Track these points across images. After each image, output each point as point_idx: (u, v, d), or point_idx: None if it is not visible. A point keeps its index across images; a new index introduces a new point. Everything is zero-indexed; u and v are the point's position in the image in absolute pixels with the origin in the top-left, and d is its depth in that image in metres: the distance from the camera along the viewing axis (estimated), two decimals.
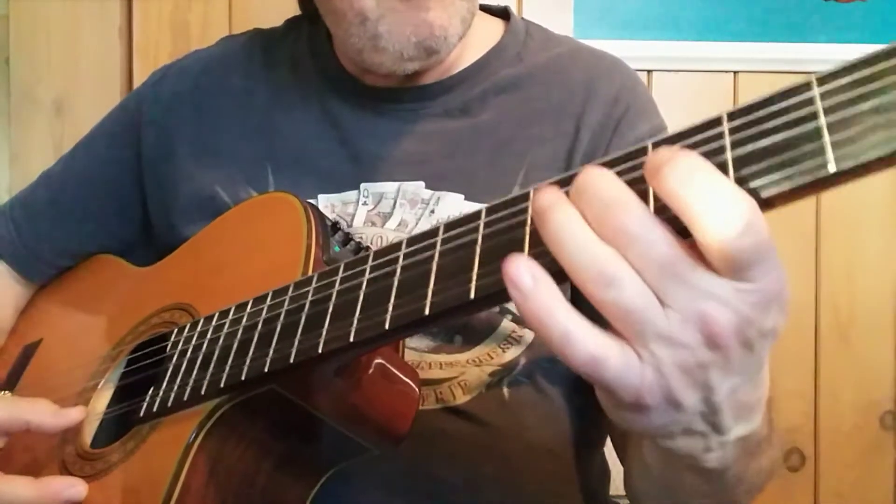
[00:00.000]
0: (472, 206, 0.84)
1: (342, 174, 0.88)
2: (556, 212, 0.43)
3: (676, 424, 0.47)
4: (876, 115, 0.39)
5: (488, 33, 0.94)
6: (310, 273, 0.66)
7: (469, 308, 0.49)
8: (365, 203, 0.86)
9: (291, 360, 0.58)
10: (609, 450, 0.96)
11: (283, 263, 0.69)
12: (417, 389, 0.71)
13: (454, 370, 0.81)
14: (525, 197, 0.50)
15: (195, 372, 0.66)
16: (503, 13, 0.98)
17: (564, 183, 0.47)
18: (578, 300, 0.43)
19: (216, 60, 1.00)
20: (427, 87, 0.90)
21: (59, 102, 1.56)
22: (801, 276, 1.51)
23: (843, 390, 1.53)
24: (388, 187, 0.87)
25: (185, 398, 0.65)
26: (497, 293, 0.47)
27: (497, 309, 0.82)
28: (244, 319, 0.65)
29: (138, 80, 1.50)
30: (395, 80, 0.89)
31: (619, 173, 0.45)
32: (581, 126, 0.87)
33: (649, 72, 1.52)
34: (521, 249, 0.47)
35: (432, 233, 0.54)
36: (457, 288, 0.49)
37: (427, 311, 0.50)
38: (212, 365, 0.65)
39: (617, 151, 0.47)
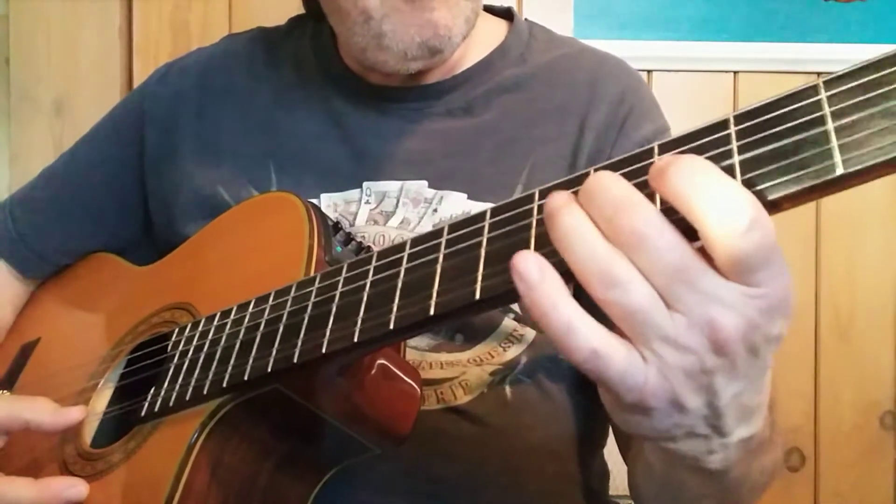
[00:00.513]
0: (475, 205, 0.84)
1: (345, 173, 0.88)
2: (565, 214, 0.43)
3: (679, 427, 0.47)
4: (883, 118, 0.39)
5: (492, 34, 0.94)
6: (312, 273, 0.66)
7: (474, 309, 0.49)
8: (367, 202, 0.86)
9: (295, 360, 0.58)
10: (609, 450, 0.96)
11: (285, 263, 0.69)
12: (419, 389, 0.71)
13: (455, 370, 0.81)
14: (530, 198, 0.50)
15: (197, 372, 0.66)
16: (507, 14, 0.98)
17: (573, 184, 0.47)
18: (584, 304, 0.43)
19: (219, 59, 1.00)
20: (431, 87, 0.90)
21: (59, 102, 1.56)
22: (801, 276, 1.51)
23: (843, 390, 1.53)
24: (392, 186, 0.87)
25: (188, 398, 0.65)
26: (503, 294, 0.47)
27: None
28: (246, 319, 0.65)
29: (138, 80, 1.50)
30: (399, 79, 0.89)
31: (627, 175, 0.45)
32: (585, 126, 0.87)
33: (649, 72, 1.52)
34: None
35: (436, 233, 0.54)
36: (462, 289, 0.49)
37: (432, 312, 0.50)
38: (214, 365, 0.65)
39: (624, 154, 0.47)
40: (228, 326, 0.67)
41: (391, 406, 0.69)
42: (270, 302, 0.64)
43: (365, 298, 0.56)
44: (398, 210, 0.86)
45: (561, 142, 0.87)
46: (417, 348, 0.81)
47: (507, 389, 0.83)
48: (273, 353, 0.60)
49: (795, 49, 1.52)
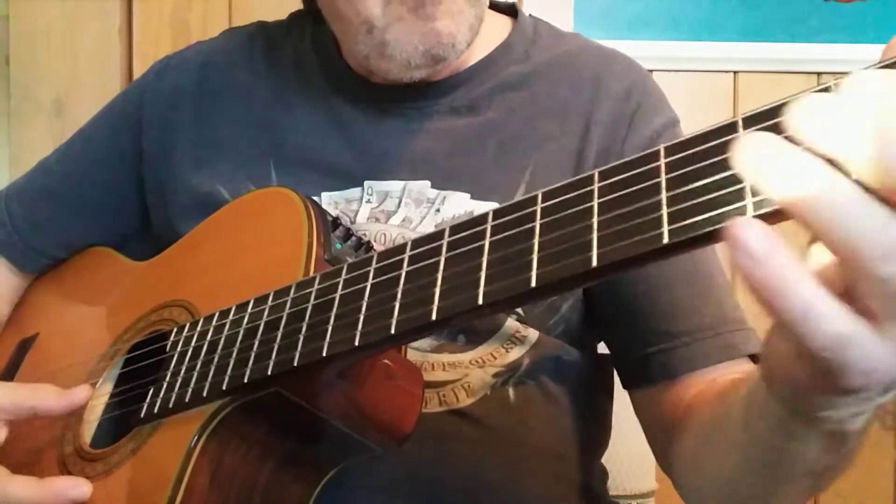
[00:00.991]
0: (478, 205, 0.84)
1: (346, 171, 0.87)
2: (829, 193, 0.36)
3: (865, 401, 0.43)
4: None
5: (496, 30, 0.93)
6: (311, 271, 0.66)
7: (476, 314, 0.49)
8: (369, 201, 0.86)
9: (295, 364, 0.58)
10: (610, 451, 0.96)
11: (284, 261, 0.69)
12: (421, 387, 0.71)
13: (457, 372, 0.81)
14: (532, 201, 0.49)
15: (196, 374, 0.66)
16: (511, 10, 0.97)
17: (577, 186, 0.46)
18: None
19: (219, 54, 0.99)
20: (433, 85, 0.89)
21: (59, 102, 1.56)
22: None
23: None
24: (394, 186, 0.86)
25: (187, 400, 0.65)
26: (506, 299, 0.47)
27: None
28: (245, 320, 0.65)
29: None
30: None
31: (634, 179, 0.44)
32: (591, 124, 0.86)
33: (649, 72, 1.52)
34: (530, 259, 0.47)
35: (438, 235, 0.54)
36: (464, 293, 0.49)
37: (434, 317, 0.50)
38: (213, 367, 0.65)
39: (634, 152, 0.45)
40: (227, 327, 0.66)
41: (393, 405, 0.69)
42: (269, 303, 0.64)
43: (365, 302, 0.56)
44: (400, 209, 0.85)
45: (565, 140, 0.86)
46: (419, 349, 0.80)
47: (511, 391, 0.82)
48: (273, 357, 0.60)
49: (795, 49, 1.52)
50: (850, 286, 0.38)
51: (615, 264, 0.44)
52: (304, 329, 0.59)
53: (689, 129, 0.89)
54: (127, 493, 0.68)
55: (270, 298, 0.64)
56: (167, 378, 0.69)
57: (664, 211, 0.42)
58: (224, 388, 0.62)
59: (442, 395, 0.81)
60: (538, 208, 0.49)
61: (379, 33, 0.80)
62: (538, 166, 0.85)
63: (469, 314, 0.49)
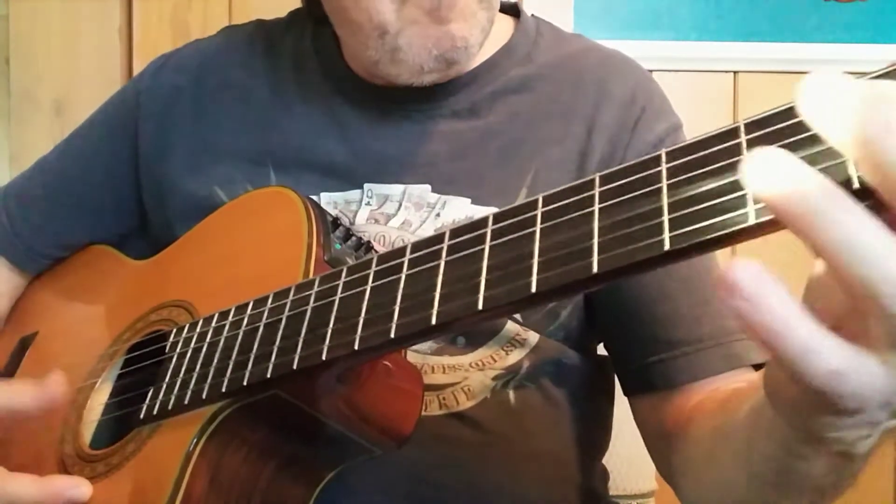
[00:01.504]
0: (478, 210, 0.83)
1: (346, 173, 0.87)
2: (833, 214, 0.35)
3: (867, 422, 0.42)
4: None
5: (498, 32, 0.90)
6: (311, 271, 0.65)
7: (476, 318, 0.49)
8: (368, 203, 0.85)
9: (295, 367, 0.58)
10: (610, 451, 0.96)
11: (284, 261, 0.69)
12: (421, 389, 0.71)
13: (457, 375, 0.81)
14: (533, 205, 0.49)
15: (195, 375, 0.66)
16: (513, 10, 0.96)
17: (578, 191, 0.46)
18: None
19: (217, 53, 0.98)
20: (436, 89, 0.87)
21: (59, 102, 1.56)
22: (801, 275, 1.51)
23: None
24: (394, 190, 0.85)
25: (186, 402, 0.65)
26: (506, 304, 0.47)
27: None
28: (244, 322, 0.65)
29: None
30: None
31: (634, 184, 0.44)
32: (594, 128, 0.85)
33: (650, 72, 1.52)
34: (530, 264, 0.47)
35: (438, 239, 0.54)
36: (464, 298, 0.49)
37: (434, 321, 0.50)
38: (212, 369, 0.64)
39: (637, 156, 0.45)
40: (227, 329, 0.66)
41: (393, 407, 0.69)
42: (269, 305, 0.64)
43: (365, 306, 0.56)
44: (400, 212, 0.85)
45: (567, 143, 0.85)
46: (419, 351, 0.80)
47: (511, 394, 0.82)
48: (272, 359, 0.60)
49: (795, 49, 1.52)
50: (848, 310, 0.38)
51: (616, 270, 0.43)
52: (303, 332, 0.59)
53: (688, 128, 0.90)
54: (126, 494, 0.68)
55: (270, 300, 0.64)
56: (166, 380, 0.68)
57: (665, 217, 0.42)
58: (223, 390, 0.62)
59: (442, 398, 0.80)
60: (539, 213, 0.48)
61: (392, 38, 0.79)
62: (540, 170, 0.84)
63: (469, 319, 0.49)
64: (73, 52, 1.57)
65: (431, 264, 0.53)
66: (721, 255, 0.70)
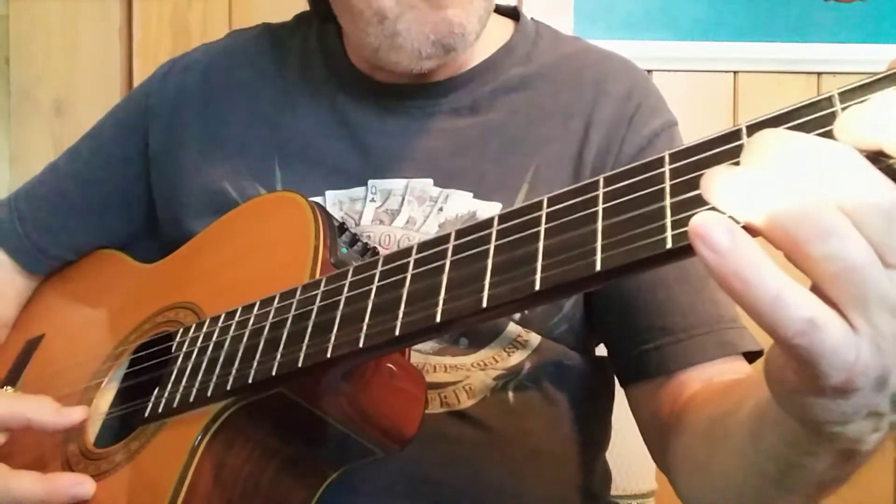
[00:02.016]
0: (480, 204, 0.84)
1: (350, 170, 0.88)
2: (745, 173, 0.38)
3: (866, 407, 0.42)
4: None
5: (498, 32, 0.93)
6: (317, 274, 0.66)
7: (481, 317, 0.49)
8: (373, 200, 0.86)
9: (300, 365, 0.58)
10: (609, 451, 0.96)
11: (290, 264, 0.69)
12: (424, 391, 0.71)
13: (459, 374, 0.81)
14: (538, 206, 0.50)
15: (201, 374, 0.66)
16: (513, 13, 0.98)
17: (582, 192, 0.46)
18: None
19: (224, 55, 0.99)
20: (436, 85, 0.90)
21: (59, 102, 1.57)
22: (800, 275, 1.51)
23: None
24: (397, 184, 0.87)
25: (191, 400, 0.65)
26: (510, 302, 0.47)
27: None
28: (251, 322, 0.65)
29: (138, 80, 1.50)
30: (406, 77, 0.89)
31: (639, 184, 0.44)
32: (591, 124, 0.87)
33: (649, 72, 1.52)
34: (534, 262, 0.47)
35: (443, 239, 0.54)
36: (469, 296, 0.49)
37: (438, 319, 0.50)
38: (218, 367, 0.65)
39: (633, 149, 0.45)
40: (233, 328, 0.66)
41: (396, 408, 0.69)
42: (275, 304, 0.64)
43: (370, 304, 0.56)
44: (403, 208, 0.86)
45: (566, 141, 0.87)
46: (422, 351, 0.81)
47: (511, 395, 0.83)
48: (278, 357, 0.60)
49: (795, 49, 1.52)
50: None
51: (619, 269, 0.44)
52: (309, 330, 0.59)
53: (688, 129, 0.91)
54: (130, 491, 0.68)
55: (276, 300, 0.64)
56: (172, 378, 0.69)
57: (668, 217, 0.43)
58: (228, 388, 0.63)
59: (443, 395, 0.81)
60: (543, 213, 0.49)
61: (391, 24, 0.80)
62: (540, 167, 0.86)
63: (473, 317, 0.50)
64: (73, 52, 1.57)
65: (437, 264, 0.53)
66: None
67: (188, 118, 0.95)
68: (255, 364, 0.62)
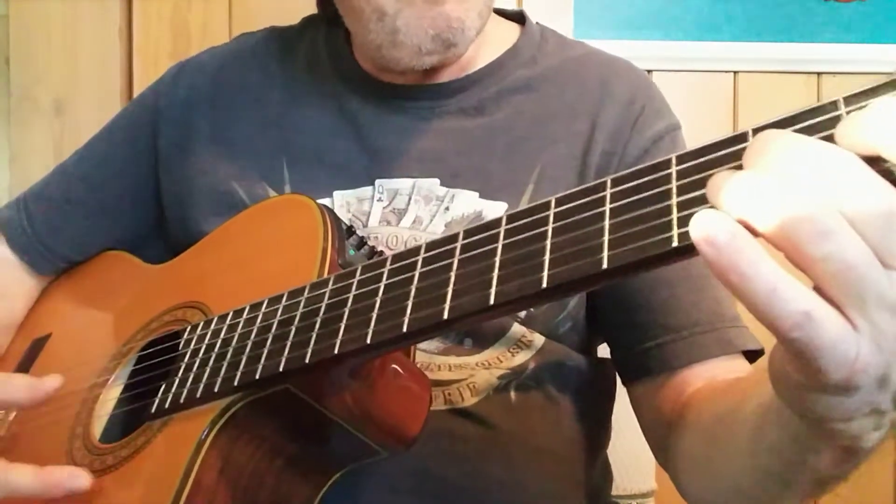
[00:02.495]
0: (486, 204, 0.85)
1: (357, 170, 0.89)
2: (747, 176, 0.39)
3: (868, 405, 0.42)
4: None
5: (504, 36, 0.95)
6: (325, 274, 0.66)
7: (487, 314, 0.50)
8: (380, 199, 0.87)
9: (307, 361, 0.58)
10: (610, 451, 0.96)
11: (299, 265, 0.69)
12: (429, 392, 0.71)
13: (463, 372, 0.82)
14: (546, 206, 0.50)
15: (209, 370, 0.66)
16: (519, 17, 0.99)
17: (590, 192, 0.47)
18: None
19: (233, 57, 1.00)
20: (443, 86, 0.91)
21: (59, 102, 1.56)
22: (800, 274, 1.51)
23: None
24: (403, 184, 0.87)
25: (198, 395, 0.65)
26: (518, 299, 0.48)
27: None
28: (259, 319, 0.66)
29: (138, 80, 1.50)
30: (412, 78, 0.90)
31: (646, 185, 0.44)
32: (596, 126, 0.88)
33: (649, 72, 1.53)
34: (542, 259, 0.48)
35: (451, 238, 0.55)
36: (476, 294, 0.50)
37: (446, 316, 0.51)
38: (225, 363, 0.65)
39: (637, 151, 0.46)
40: (241, 325, 0.67)
41: (401, 407, 0.69)
42: (283, 302, 0.65)
43: (378, 301, 0.56)
44: (410, 208, 0.86)
45: (571, 141, 0.88)
46: (426, 351, 0.81)
47: (512, 394, 0.83)
48: (285, 354, 0.60)
49: (795, 49, 1.53)
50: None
51: (626, 266, 0.45)
52: (317, 326, 0.60)
53: (689, 129, 0.92)
54: (135, 485, 0.68)
55: (285, 298, 0.65)
56: (179, 374, 0.69)
57: (674, 215, 0.43)
58: (235, 383, 0.63)
59: (447, 393, 0.81)
60: (551, 213, 0.49)
61: (390, 20, 0.81)
62: (546, 167, 0.86)
63: (481, 314, 0.50)
64: (73, 52, 1.57)
65: (445, 262, 0.54)
66: None
67: (197, 120, 0.96)
68: (262, 360, 0.62)
